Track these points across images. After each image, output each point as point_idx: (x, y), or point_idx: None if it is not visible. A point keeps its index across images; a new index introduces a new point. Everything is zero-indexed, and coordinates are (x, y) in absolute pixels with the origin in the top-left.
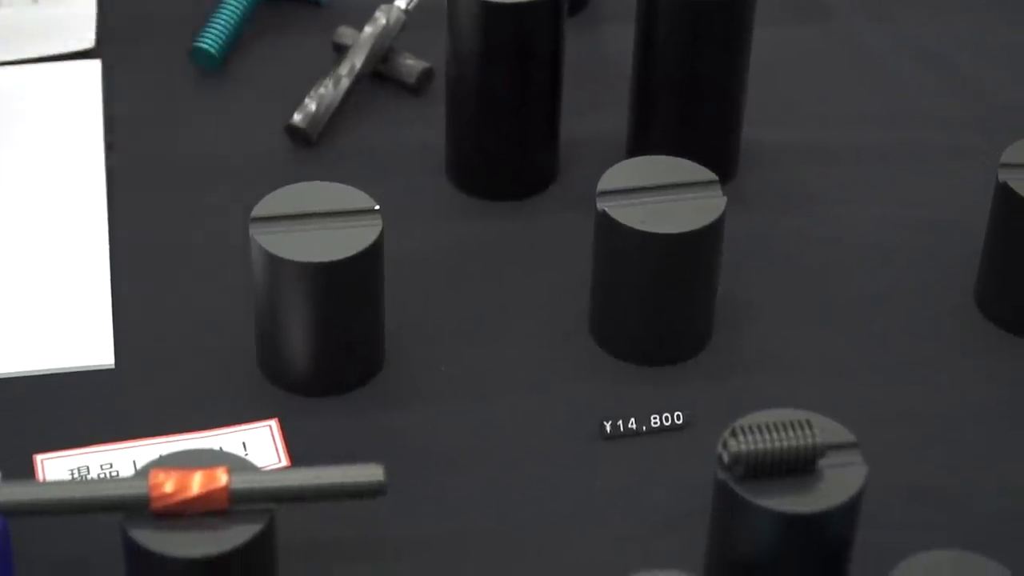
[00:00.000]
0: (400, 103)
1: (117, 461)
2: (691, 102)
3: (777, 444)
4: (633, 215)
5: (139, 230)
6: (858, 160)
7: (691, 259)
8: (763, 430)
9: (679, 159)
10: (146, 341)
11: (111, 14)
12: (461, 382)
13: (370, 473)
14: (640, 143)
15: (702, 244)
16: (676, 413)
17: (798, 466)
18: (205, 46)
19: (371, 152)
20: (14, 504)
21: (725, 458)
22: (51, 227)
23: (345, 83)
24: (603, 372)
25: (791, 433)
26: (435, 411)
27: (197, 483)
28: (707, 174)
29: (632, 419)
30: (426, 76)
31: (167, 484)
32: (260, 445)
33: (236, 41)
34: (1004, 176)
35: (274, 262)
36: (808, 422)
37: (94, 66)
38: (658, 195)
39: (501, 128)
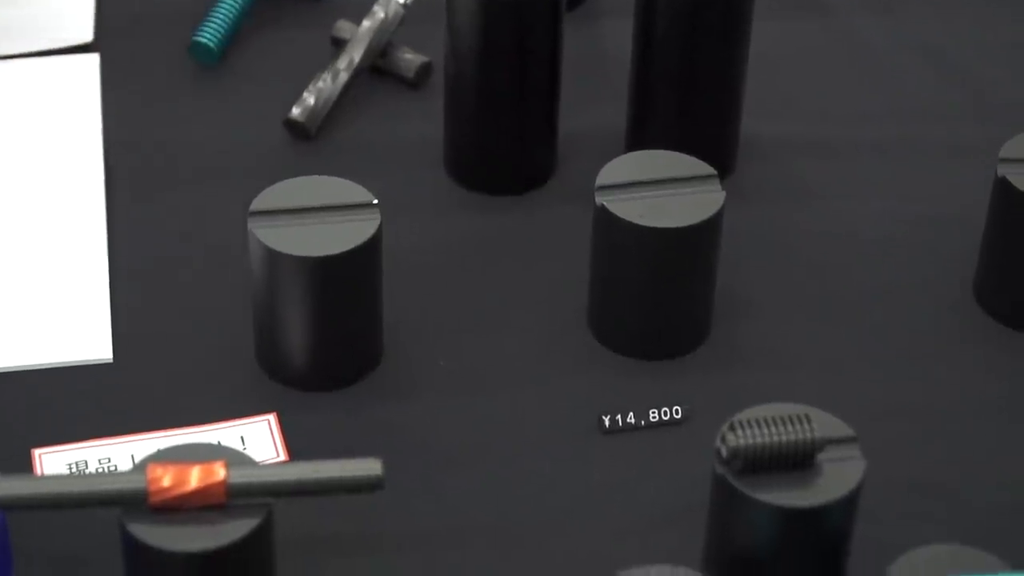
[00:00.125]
0: (398, 97)
1: (115, 455)
2: (690, 96)
3: (775, 438)
4: (632, 209)
5: (137, 224)
6: (857, 154)
7: (690, 253)
8: (761, 424)
9: (678, 153)
10: (144, 335)
11: (109, 8)
12: (459, 376)
13: (368, 467)
14: (639, 137)
15: (701, 238)
16: (675, 407)
17: (796, 460)
18: (204, 40)
19: (369, 146)
20: (12, 498)
21: (723, 452)
22: (49, 221)
23: (343, 77)
24: (602, 366)
25: (789, 427)
26: (433, 405)
27: (195, 477)
28: (706, 168)
29: (631, 413)
30: (424, 70)
31: (165, 478)
32: (258, 439)
33: (234, 35)
34: (1003, 171)
35: (272, 256)
36: (806, 416)
37: (92, 60)
38: (657, 189)
39: (500, 122)
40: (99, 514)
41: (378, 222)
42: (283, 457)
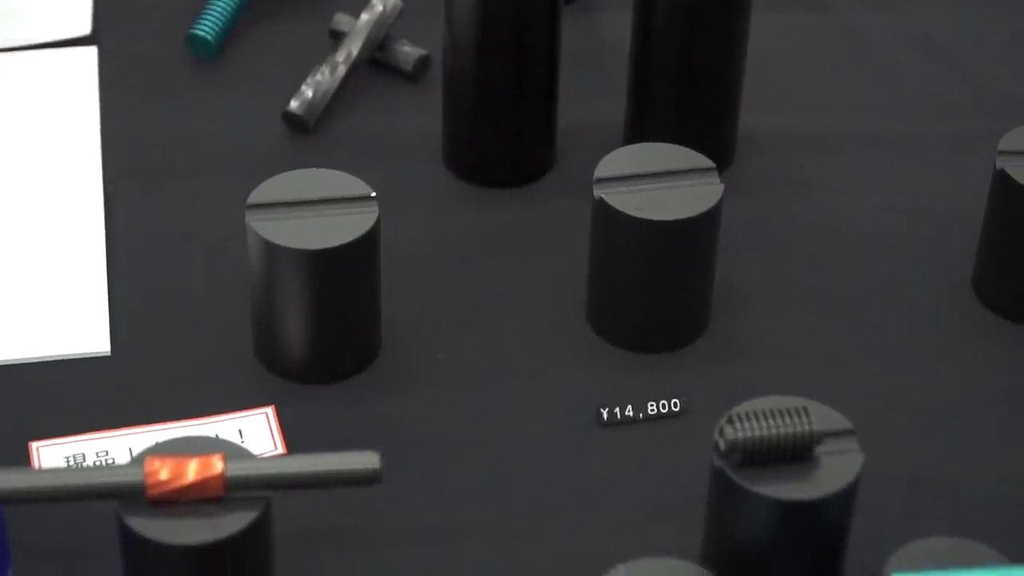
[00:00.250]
0: (397, 90)
1: (113, 448)
2: (688, 89)
3: (774, 431)
4: (630, 202)
5: (135, 217)
6: (856, 148)
7: (688, 246)
8: (760, 417)
9: (676, 146)
10: (142, 328)
11: (107, 1)
12: (458, 370)
13: (366, 461)
14: (637, 130)
15: (699, 231)
16: (673, 400)
17: (795, 453)
18: (202, 33)
19: (368, 139)
20: (9, 491)
21: (722, 445)
22: (47, 214)
23: (342, 70)
24: (600, 359)
25: (788, 420)
26: (431, 399)
27: (193, 470)
28: (704, 161)
29: (629, 406)
30: (423, 63)
31: (163, 471)
32: (256, 432)
33: (232, 29)
34: (1002, 163)
35: (270, 249)
36: (805, 409)
37: (90, 53)
38: (655, 182)
39: (498, 115)
40: (97, 507)
41: (376, 215)
42: (281, 450)
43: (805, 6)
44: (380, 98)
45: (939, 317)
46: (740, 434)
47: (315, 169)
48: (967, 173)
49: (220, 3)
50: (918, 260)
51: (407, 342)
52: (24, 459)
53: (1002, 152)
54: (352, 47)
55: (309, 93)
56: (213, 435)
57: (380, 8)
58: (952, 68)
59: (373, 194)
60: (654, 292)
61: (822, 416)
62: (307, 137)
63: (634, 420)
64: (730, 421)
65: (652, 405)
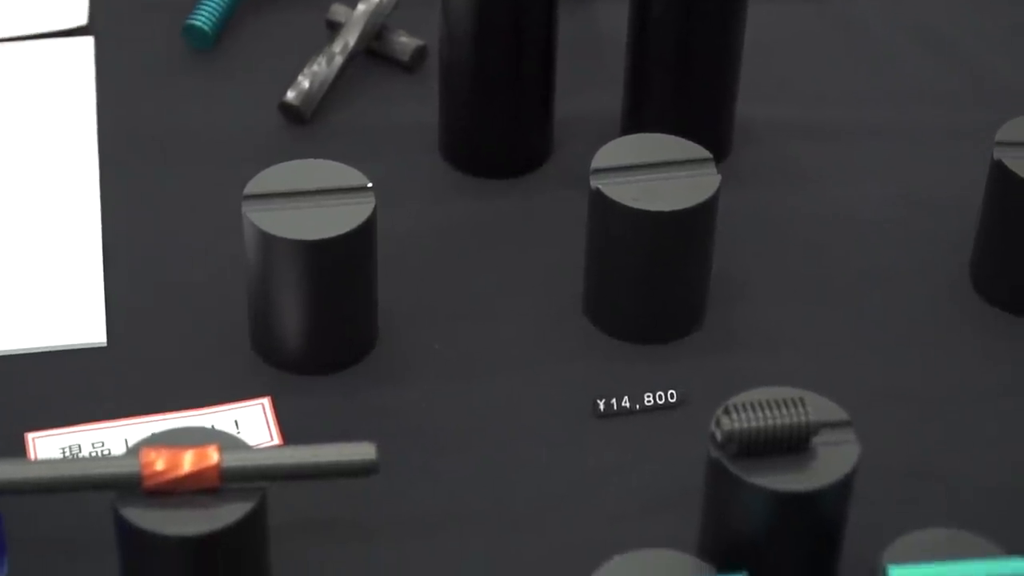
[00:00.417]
0: (394, 81)
1: (109, 439)
2: (685, 80)
3: (770, 422)
4: (627, 193)
5: (131, 208)
6: (854, 138)
7: (685, 237)
8: (756, 408)
9: (673, 137)
10: (138, 319)
11: None
12: (454, 361)
13: (362, 451)
14: (634, 121)
15: (696, 222)
16: (670, 391)
17: (791, 444)
18: (198, 24)
19: (364, 130)
20: (5, 482)
21: (718, 436)
22: (43, 204)
23: (339, 61)
24: (597, 350)
25: (784, 411)
26: (428, 389)
27: (188, 461)
28: (701, 152)
29: (626, 397)
30: (420, 54)
31: (158, 462)
32: (252, 423)
33: (229, 19)
34: (999, 154)
35: (267, 240)
36: (801, 400)
37: (87, 43)
38: (652, 173)
39: (495, 106)
40: (92, 498)
41: (373, 206)
42: (277, 441)
43: None
44: (377, 89)
45: (937, 307)
46: (737, 425)
47: (312, 160)
48: (965, 164)
49: None
50: (916, 250)
51: (404, 333)
52: (20, 450)
53: (999, 143)
54: (349, 38)
55: (306, 84)
56: (209, 426)
57: None
58: (950, 58)
59: (370, 185)
60: (651, 283)
61: (819, 407)
62: (304, 128)
63: (631, 411)
64: (727, 412)
65: (649, 396)
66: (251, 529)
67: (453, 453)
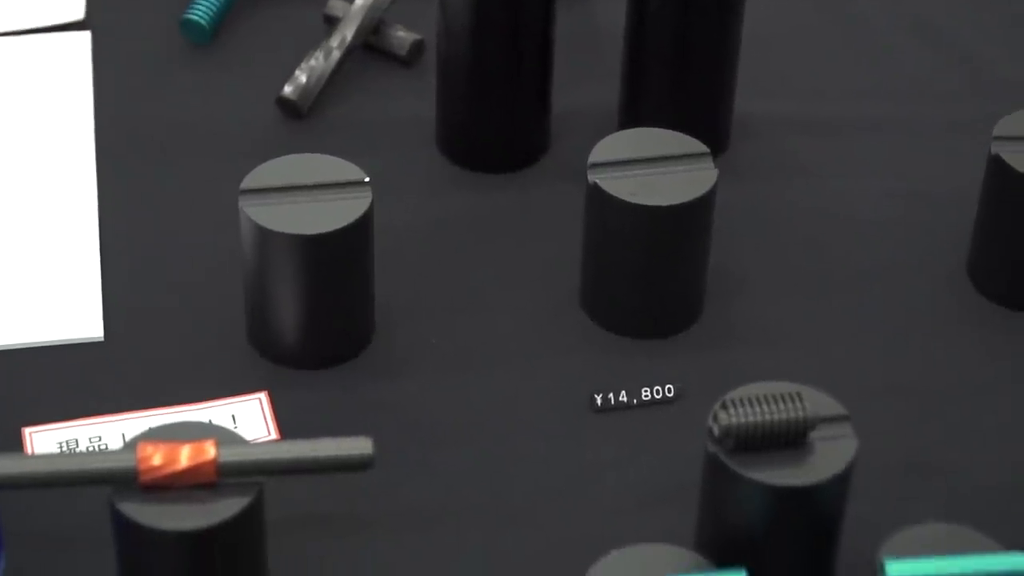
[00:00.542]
0: (391, 75)
1: (106, 434)
2: (683, 74)
3: (768, 417)
4: (624, 187)
5: (128, 202)
6: (852, 133)
7: (682, 231)
8: (754, 403)
9: (671, 131)
10: (135, 314)
11: None
12: (451, 355)
13: (359, 446)
14: (632, 115)
15: (693, 216)
16: (667, 386)
17: (789, 439)
18: (196, 18)
19: (362, 124)
20: (2, 477)
21: (716, 431)
22: (40, 199)
23: (336, 55)
24: (594, 345)
25: (782, 406)
26: (425, 384)
27: (185, 456)
28: (699, 146)
29: (623, 392)
30: (417, 48)
31: (155, 457)
32: (249, 418)
33: (227, 13)
34: (996, 148)
35: (263, 234)
36: (799, 395)
37: (84, 37)
38: (649, 167)
39: (492, 100)
40: (89, 493)
41: (370, 200)
42: (274, 435)
43: None
44: (374, 83)
45: (935, 302)
46: (734, 419)
47: (309, 154)
48: (964, 158)
49: None
50: (914, 245)
51: (401, 327)
52: (17, 445)
53: (997, 137)
54: (346, 32)
55: (303, 78)
56: (206, 420)
57: None
58: (949, 52)
59: (367, 179)
60: (648, 277)
61: (816, 401)
62: (301, 122)
63: (628, 406)
64: (724, 407)
65: (646, 391)
66: (248, 523)
67: (450, 447)
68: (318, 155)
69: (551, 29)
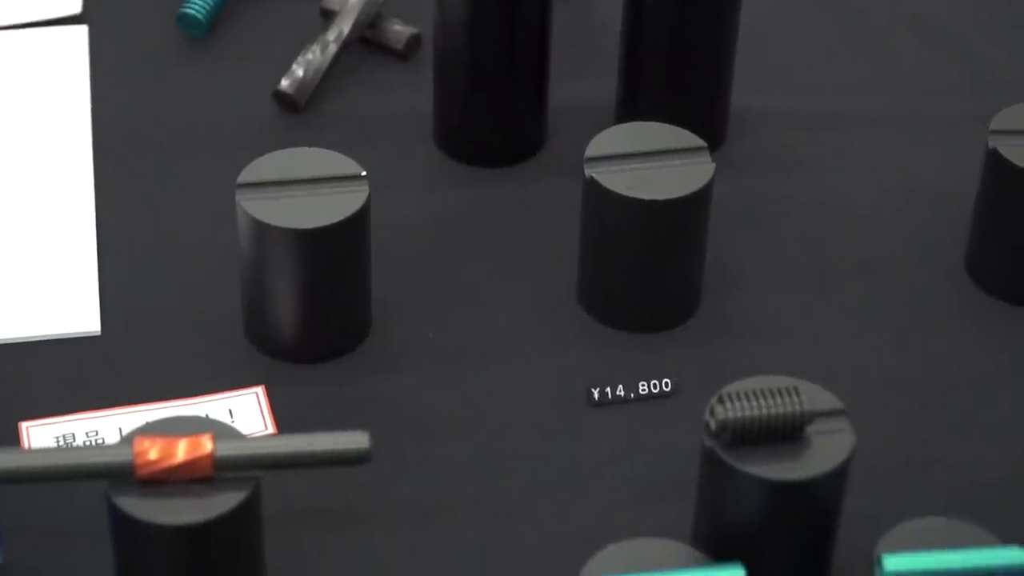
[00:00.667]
0: (388, 69)
1: (103, 428)
2: (680, 68)
3: (765, 411)
4: (621, 181)
5: (125, 196)
6: (849, 127)
7: (679, 225)
8: (751, 397)
9: (667, 125)
10: (132, 308)
11: None
12: (448, 349)
13: (356, 440)
14: (629, 109)
15: (690, 210)
16: (664, 380)
17: (786, 433)
18: (192, 12)
19: (359, 118)
20: None
21: (712, 425)
22: (37, 194)
23: (333, 49)
24: (591, 339)
25: (779, 400)
26: (422, 378)
27: (182, 450)
28: (696, 140)
29: (620, 386)
30: (414, 42)
31: (152, 451)
32: (246, 412)
33: (223, 7)
34: (994, 142)
35: (260, 228)
36: (796, 389)
37: (81, 31)
38: (646, 161)
39: (489, 94)
40: (86, 487)
41: (366, 194)
42: (271, 430)
43: None
44: (371, 77)
45: (933, 296)
46: (731, 414)
47: (305, 148)
48: (962, 152)
49: None
50: (913, 240)
51: (398, 322)
52: (13, 439)
53: (994, 131)
54: (343, 26)
55: (300, 72)
56: (203, 415)
57: None
58: (947, 47)
59: (364, 173)
60: (645, 272)
61: (813, 396)
62: (298, 116)
63: (625, 400)
64: (721, 401)
65: (643, 385)
66: (245, 518)
67: (447, 442)
68: (315, 149)
69: (548, 23)
